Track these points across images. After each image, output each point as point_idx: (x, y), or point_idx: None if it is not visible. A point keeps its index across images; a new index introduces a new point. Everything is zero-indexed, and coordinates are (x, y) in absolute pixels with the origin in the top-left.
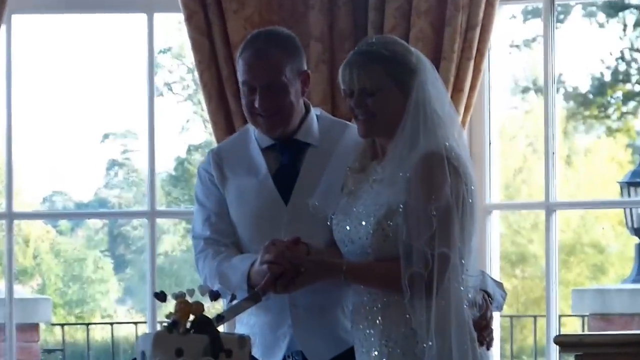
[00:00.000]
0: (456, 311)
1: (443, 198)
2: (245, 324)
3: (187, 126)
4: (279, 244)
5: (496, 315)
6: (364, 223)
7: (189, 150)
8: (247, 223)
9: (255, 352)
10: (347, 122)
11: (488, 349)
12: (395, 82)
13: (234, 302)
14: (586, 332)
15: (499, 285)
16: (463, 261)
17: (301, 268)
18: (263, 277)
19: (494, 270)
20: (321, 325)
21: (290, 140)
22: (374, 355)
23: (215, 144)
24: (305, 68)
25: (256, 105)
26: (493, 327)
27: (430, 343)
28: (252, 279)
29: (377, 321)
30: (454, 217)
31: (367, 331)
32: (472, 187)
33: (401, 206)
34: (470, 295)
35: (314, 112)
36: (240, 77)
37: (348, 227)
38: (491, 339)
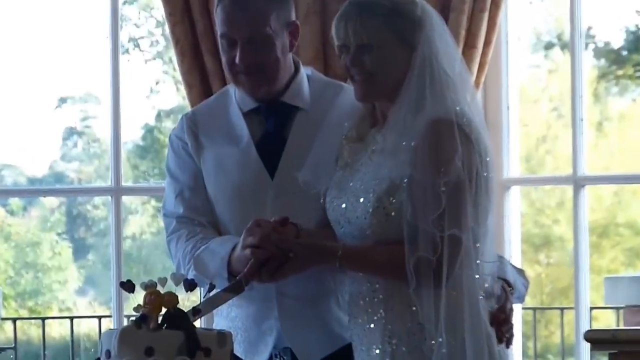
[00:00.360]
0: (470, 303)
1: (453, 171)
2: (226, 316)
3: (156, 88)
4: (264, 224)
5: (517, 308)
6: (361, 200)
7: (158, 117)
8: (226, 199)
9: (237, 350)
10: (342, 84)
11: (508, 346)
12: (397, 36)
13: (213, 292)
14: (621, 327)
15: (520, 272)
16: (477, 245)
17: (290, 253)
18: (245, 264)
19: (515, 255)
20: (313, 318)
21: (277, 103)
22: (375, 353)
23: (189, 109)
24: (294, 18)
25: (237, 61)
26: (513, 321)
27: (440, 339)
28: (233, 266)
29: (379, 314)
30: (466, 194)
31: (367, 326)
32: (488, 159)
33: (405, 180)
34: (486, 285)
35: (305, 71)
36: (219, 29)
37: (344, 205)
38: (511, 335)
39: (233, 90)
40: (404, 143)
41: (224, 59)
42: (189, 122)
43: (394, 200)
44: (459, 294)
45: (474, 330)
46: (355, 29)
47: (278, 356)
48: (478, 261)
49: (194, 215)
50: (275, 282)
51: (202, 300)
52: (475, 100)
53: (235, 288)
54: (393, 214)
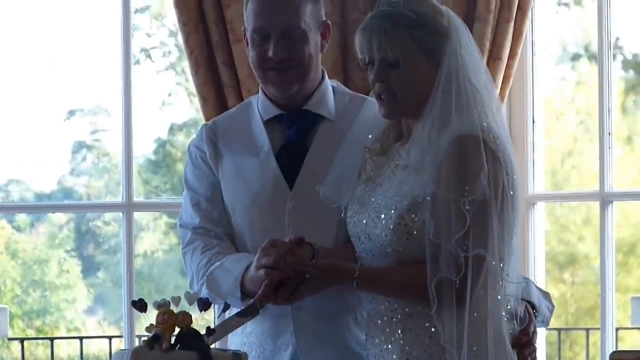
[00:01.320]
0: (493, 325)
1: (479, 190)
2: (241, 332)
3: (168, 101)
4: (280, 245)
5: (541, 330)
6: (383, 216)
7: (171, 130)
8: (243, 209)
9: None
10: (365, 96)
11: None
12: (423, 50)
13: (227, 312)
14: None
15: (546, 296)
16: (502, 265)
17: (306, 275)
18: (259, 285)
19: (539, 273)
20: (329, 334)
21: (300, 111)
22: None
23: (202, 122)
24: (325, 18)
25: (270, 55)
26: (536, 344)
27: None
28: (247, 286)
29: (397, 335)
30: (491, 213)
31: (385, 346)
32: (514, 176)
33: (428, 198)
34: (509, 306)
35: (330, 83)
36: (250, 24)
37: (365, 221)
38: (534, 359)
39: (256, 101)
40: (428, 159)
41: (253, 55)
42: (208, 131)
43: (415, 218)
44: (482, 315)
45: (497, 354)
46: (379, 43)
47: None
48: (502, 282)
49: (211, 226)
50: (291, 304)
51: (216, 322)
52: (500, 114)
53: (250, 311)
54: (415, 232)
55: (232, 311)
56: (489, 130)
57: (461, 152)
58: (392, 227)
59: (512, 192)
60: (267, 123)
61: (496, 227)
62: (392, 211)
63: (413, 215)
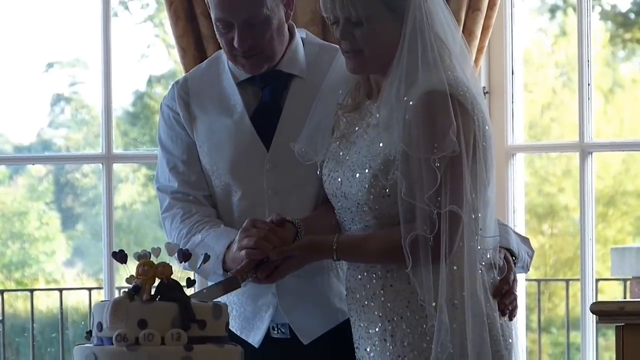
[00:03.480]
0: (470, 278)
1: (448, 146)
2: None
3: (147, 53)
4: (260, 225)
5: (521, 279)
6: (358, 175)
7: (149, 82)
8: (221, 173)
9: (232, 325)
10: (337, 46)
11: (511, 319)
12: (386, 6)
13: (207, 263)
14: (628, 299)
15: (525, 241)
16: (477, 217)
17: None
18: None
19: (518, 225)
20: (311, 293)
21: (272, 72)
22: (374, 331)
23: (183, 74)
24: None
25: (235, 45)
26: (517, 293)
27: (440, 317)
28: (228, 265)
29: (378, 292)
30: (463, 168)
31: (366, 302)
32: (486, 127)
33: (398, 157)
34: (488, 256)
35: (299, 34)
36: (213, 13)
37: (340, 179)
38: (514, 307)
39: (226, 58)
40: (396, 117)
41: (220, 41)
42: (180, 91)
43: (389, 177)
44: (460, 269)
45: (475, 305)
46: (342, 3)
47: (276, 329)
48: (479, 234)
49: (189, 190)
50: (272, 283)
51: (194, 293)
52: (470, 67)
53: (231, 285)
54: (389, 192)
55: (212, 266)
56: (456, 84)
57: (429, 109)
58: (367, 186)
59: (484, 144)
60: (240, 84)
61: (468, 181)
62: (367, 170)
63: (386, 175)
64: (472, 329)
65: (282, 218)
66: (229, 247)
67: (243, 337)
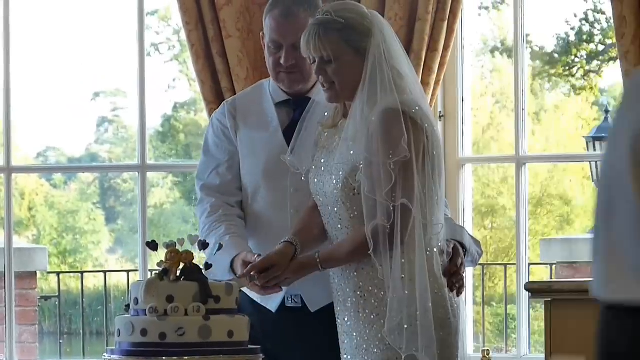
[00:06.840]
0: (419, 259)
1: (401, 152)
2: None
3: (173, 85)
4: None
5: (470, 269)
6: (333, 177)
7: (175, 108)
8: (255, 172)
9: (254, 295)
10: None
11: (459, 295)
12: (351, 47)
13: (220, 253)
14: (554, 279)
15: (477, 243)
16: (426, 210)
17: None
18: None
19: (467, 221)
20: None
21: (304, 97)
22: (348, 305)
23: (202, 101)
24: None
25: (282, 62)
26: (464, 274)
27: (395, 289)
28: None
29: (353, 274)
30: (413, 170)
31: (344, 282)
32: (436, 138)
33: (361, 163)
34: (440, 244)
35: None
36: (267, 35)
37: (321, 182)
38: (461, 286)
39: (267, 84)
40: (362, 131)
41: (269, 60)
42: (229, 107)
43: (356, 179)
44: (411, 252)
45: (423, 281)
46: (315, 45)
47: (290, 299)
48: (428, 225)
49: (223, 189)
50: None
51: (208, 257)
52: (420, 91)
53: (241, 282)
54: (356, 191)
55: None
56: (409, 104)
57: (385, 123)
58: (340, 185)
59: (434, 152)
60: (277, 105)
61: (418, 181)
62: (340, 173)
63: (355, 177)
64: (419, 300)
65: (268, 266)
66: (233, 259)
67: (263, 305)
